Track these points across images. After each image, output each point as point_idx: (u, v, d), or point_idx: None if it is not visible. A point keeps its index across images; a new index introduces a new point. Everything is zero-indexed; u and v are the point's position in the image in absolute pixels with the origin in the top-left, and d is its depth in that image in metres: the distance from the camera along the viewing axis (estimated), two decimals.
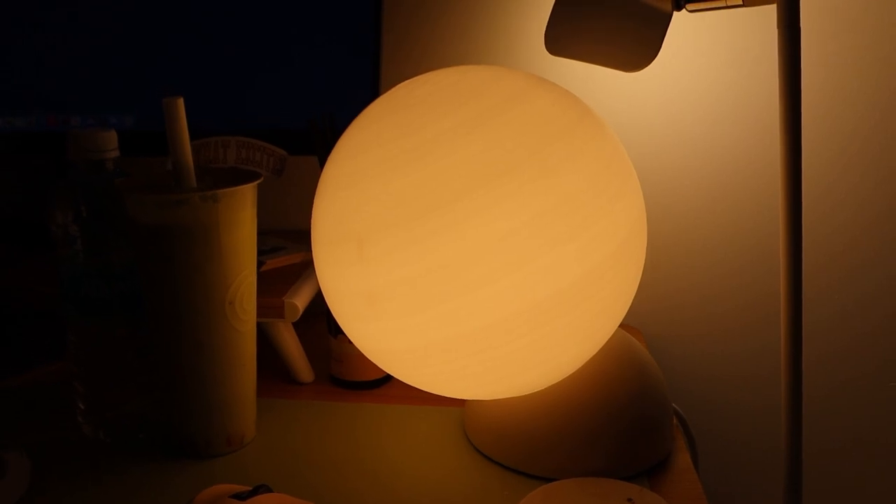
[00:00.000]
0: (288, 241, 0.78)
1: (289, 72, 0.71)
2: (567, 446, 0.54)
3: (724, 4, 0.53)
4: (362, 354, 0.67)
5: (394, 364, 0.53)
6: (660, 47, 0.56)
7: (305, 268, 0.72)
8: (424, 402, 0.66)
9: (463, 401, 0.65)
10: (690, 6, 0.54)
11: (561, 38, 0.63)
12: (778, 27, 0.50)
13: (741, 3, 0.52)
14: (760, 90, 0.79)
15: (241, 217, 0.54)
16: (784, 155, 0.51)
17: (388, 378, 0.69)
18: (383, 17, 0.69)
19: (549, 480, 0.54)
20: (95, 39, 0.72)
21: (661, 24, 0.56)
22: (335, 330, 0.68)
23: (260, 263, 0.72)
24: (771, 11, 0.68)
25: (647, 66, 0.56)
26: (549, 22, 0.63)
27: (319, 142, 0.66)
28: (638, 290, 0.86)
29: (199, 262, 0.53)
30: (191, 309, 0.54)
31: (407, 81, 0.54)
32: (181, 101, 0.54)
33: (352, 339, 0.55)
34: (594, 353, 0.54)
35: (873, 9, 0.75)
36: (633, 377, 0.56)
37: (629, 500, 0.50)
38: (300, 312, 0.65)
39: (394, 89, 0.54)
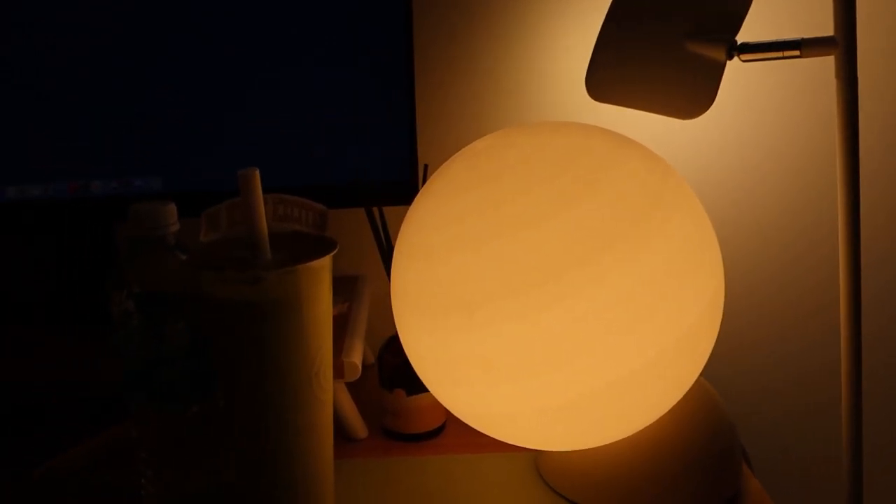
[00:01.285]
0: None
1: (313, 131, 0.70)
2: (657, 487, 0.56)
3: (780, 55, 0.56)
4: (420, 408, 0.67)
5: (496, 425, 0.54)
6: (715, 96, 0.58)
7: (345, 321, 0.71)
8: (487, 448, 0.66)
9: None
10: (745, 56, 0.57)
11: (604, 84, 0.64)
12: (836, 77, 0.54)
13: (798, 54, 0.55)
14: (817, 137, 0.83)
15: (322, 288, 0.53)
16: (843, 202, 0.54)
17: (441, 429, 0.69)
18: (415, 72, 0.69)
19: None
20: (110, 92, 0.68)
21: (714, 74, 0.58)
22: (389, 384, 0.67)
23: None
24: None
25: (703, 113, 0.58)
26: (589, 68, 0.65)
27: (365, 195, 0.65)
28: None
29: (286, 336, 0.52)
30: (278, 384, 0.52)
31: (485, 140, 0.54)
32: (257, 174, 0.52)
33: (444, 401, 0.55)
34: (676, 401, 0.56)
35: None
36: (709, 416, 0.59)
37: None
38: (360, 371, 0.64)
39: (473, 149, 0.54)
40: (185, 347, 0.56)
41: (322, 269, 0.53)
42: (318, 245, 0.55)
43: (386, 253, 0.66)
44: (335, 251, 0.54)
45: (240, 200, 0.67)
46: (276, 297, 0.51)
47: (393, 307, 0.57)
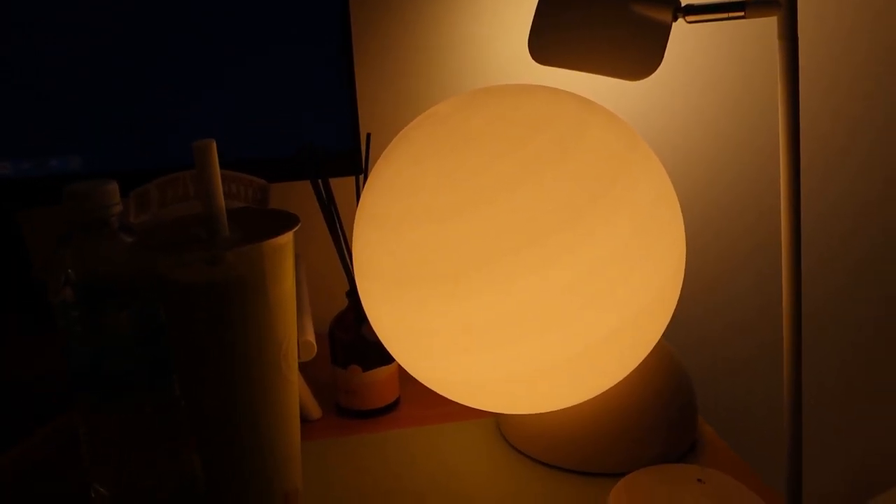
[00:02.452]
0: None
1: (251, 97, 0.66)
2: (626, 443, 0.57)
3: (724, 16, 0.57)
4: (375, 383, 0.65)
5: (473, 394, 0.53)
6: (662, 57, 0.59)
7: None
8: (444, 419, 0.65)
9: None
10: (690, 17, 0.58)
11: (548, 47, 0.64)
12: (778, 38, 0.56)
13: (742, 14, 0.56)
14: (761, 93, 0.86)
15: (285, 266, 0.51)
16: (785, 156, 0.57)
17: (396, 403, 0.68)
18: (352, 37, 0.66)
19: (596, 475, 0.57)
20: (20, 57, 0.61)
21: (661, 35, 0.59)
22: (343, 361, 0.65)
23: None
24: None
25: (650, 75, 0.59)
26: (532, 30, 0.64)
27: (311, 169, 0.62)
28: None
29: (252, 317, 0.49)
30: (246, 367, 0.50)
31: (448, 105, 0.53)
32: (214, 145, 0.48)
33: (413, 370, 0.54)
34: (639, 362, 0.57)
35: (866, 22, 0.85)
36: (670, 372, 0.61)
37: (699, 480, 0.55)
38: (315, 349, 0.61)
39: (434, 116, 0.53)
40: (135, 336, 0.52)
41: (285, 246, 0.50)
42: (278, 220, 0.52)
43: (336, 225, 0.63)
44: (298, 226, 0.51)
45: (169, 178, 0.63)
46: (240, 276, 0.48)
47: (357, 278, 0.55)
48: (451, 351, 0.50)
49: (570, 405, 0.56)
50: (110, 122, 0.62)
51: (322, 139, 0.65)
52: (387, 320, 0.53)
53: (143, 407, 0.53)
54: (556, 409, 0.56)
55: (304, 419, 0.66)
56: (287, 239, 0.50)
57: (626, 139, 0.51)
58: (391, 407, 0.67)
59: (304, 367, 0.67)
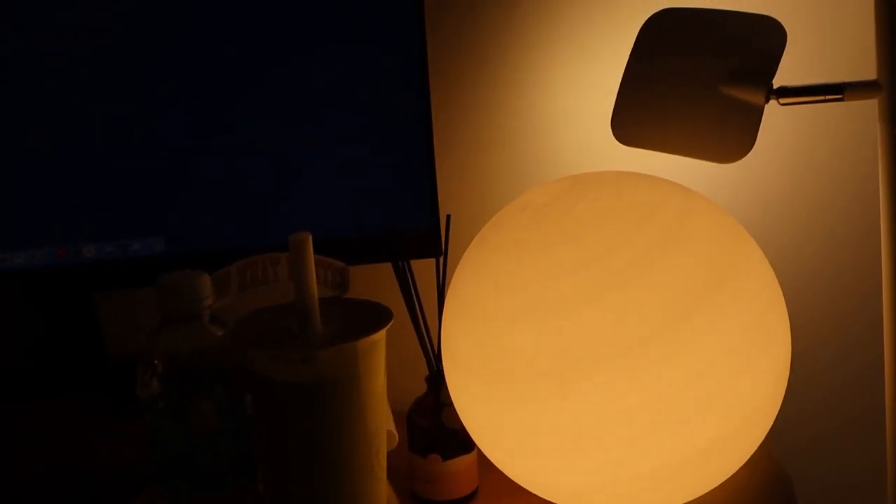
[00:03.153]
0: None
1: (327, 184, 0.65)
2: None
3: (821, 99, 0.56)
4: (454, 473, 0.63)
5: (564, 494, 0.51)
6: (754, 140, 0.57)
7: None
8: None
9: None
10: (784, 100, 0.57)
11: (631, 127, 0.63)
12: (880, 121, 0.54)
13: (841, 97, 0.55)
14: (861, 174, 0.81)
15: (380, 362, 0.49)
16: (887, 244, 0.55)
17: (474, 493, 0.65)
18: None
19: None
20: (103, 144, 0.62)
21: (754, 117, 0.57)
22: (422, 449, 0.63)
23: None
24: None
25: (741, 158, 0.58)
26: (615, 109, 0.63)
27: (394, 251, 0.61)
28: None
29: (344, 416, 0.47)
30: (337, 466, 0.48)
31: (545, 190, 0.52)
32: (309, 239, 0.48)
33: (512, 475, 0.52)
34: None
35: None
36: (769, 480, 0.57)
37: None
38: (397, 439, 0.60)
39: (531, 201, 0.51)
40: (223, 428, 0.50)
41: (379, 343, 0.49)
42: (370, 313, 0.51)
43: (417, 312, 0.62)
44: (391, 321, 0.50)
45: (249, 261, 0.62)
46: (333, 375, 0.47)
47: (447, 372, 0.53)
48: (547, 452, 0.48)
49: None
50: (195, 205, 0.62)
51: (401, 220, 0.65)
52: (478, 416, 0.51)
53: (228, 499, 0.51)
54: None
55: None
56: (381, 336, 0.49)
57: (730, 230, 0.50)
58: (469, 497, 0.65)
59: None
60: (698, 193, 0.52)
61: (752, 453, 0.52)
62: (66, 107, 0.62)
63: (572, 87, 0.81)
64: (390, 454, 0.69)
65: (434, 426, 0.63)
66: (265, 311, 0.53)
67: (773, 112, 0.64)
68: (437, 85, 0.76)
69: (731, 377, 0.46)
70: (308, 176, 0.64)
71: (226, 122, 0.63)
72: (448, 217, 0.64)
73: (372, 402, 0.49)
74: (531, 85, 0.80)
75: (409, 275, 0.62)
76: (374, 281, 0.67)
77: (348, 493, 0.49)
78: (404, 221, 0.65)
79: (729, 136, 0.58)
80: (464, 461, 0.63)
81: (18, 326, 0.68)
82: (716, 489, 0.55)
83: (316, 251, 0.63)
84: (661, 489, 0.49)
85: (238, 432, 0.51)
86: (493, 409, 0.49)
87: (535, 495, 0.56)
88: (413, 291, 0.62)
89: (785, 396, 0.82)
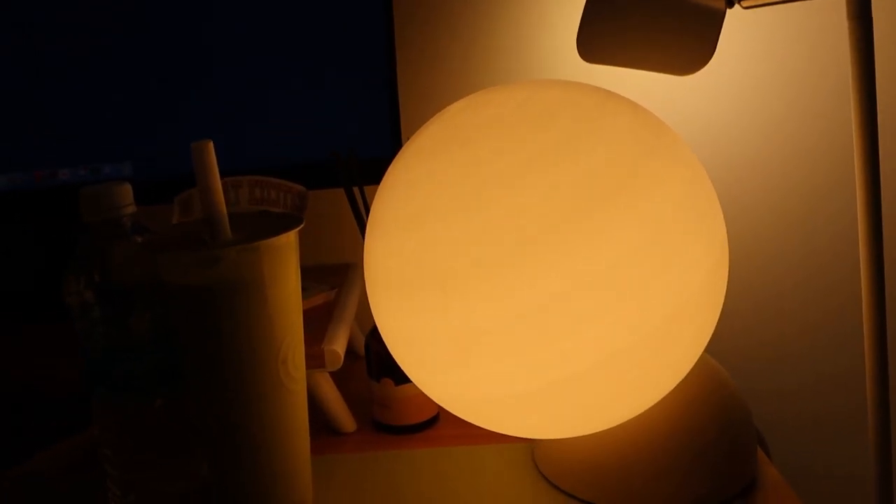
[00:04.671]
0: (308, 280, 0.73)
1: (293, 105, 0.66)
2: (667, 477, 0.51)
3: None
4: (409, 398, 0.63)
5: (480, 412, 0.49)
6: (715, 47, 0.53)
7: (332, 309, 0.67)
8: (482, 440, 0.61)
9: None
10: (745, 3, 0.52)
11: (596, 44, 0.60)
12: (849, 19, 0.48)
13: None
14: (832, 84, 0.75)
15: (286, 268, 0.49)
16: (860, 155, 0.49)
17: (434, 419, 0.65)
18: (396, 45, 0.64)
19: None
20: (79, 75, 0.65)
21: (714, 24, 0.53)
22: (377, 374, 0.63)
23: None
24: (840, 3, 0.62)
25: (702, 68, 0.53)
26: (580, 27, 0.60)
27: (345, 174, 0.61)
28: None
29: (247, 321, 0.48)
30: (241, 373, 0.49)
31: (462, 102, 0.50)
32: (211, 146, 0.48)
33: (422, 386, 0.51)
34: (679, 380, 0.51)
35: None
36: (719, 398, 0.53)
37: None
38: (342, 359, 0.60)
39: (449, 111, 0.50)
40: (147, 338, 0.52)
41: (286, 247, 0.49)
42: (284, 222, 0.51)
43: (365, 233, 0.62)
44: (300, 226, 0.50)
45: None
46: (235, 277, 0.47)
47: (367, 286, 0.53)
48: (452, 364, 0.46)
49: (599, 429, 0.50)
50: (157, 130, 0.64)
51: (365, 145, 0.64)
52: (393, 329, 0.50)
53: (155, 409, 0.53)
54: (578, 434, 0.50)
55: (337, 432, 0.64)
56: (287, 240, 0.49)
57: (651, 127, 0.46)
58: (427, 424, 0.64)
59: (343, 381, 0.66)
60: (619, 94, 0.48)
61: (686, 365, 0.48)
62: (43, 34, 0.64)
63: (542, 6, 0.77)
64: (354, 382, 0.70)
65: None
66: (184, 225, 0.54)
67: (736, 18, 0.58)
68: (400, 8, 0.74)
69: (648, 272, 0.42)
70: (272, 101, 0.65)
71: (191, 49, 0.64)
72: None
73: (277, 308, 0.49)
74: (498, 5, 0.77)
75: (362, 198, 0.62)
76: (343, 211, 0.67)
77: (253, 399, 0.49)
78: (368, 147, 0.64)
79: (689, 46, 0.54)
80: (417, 387, 0.63)
81: (5, 249, 0.73)
82: (658, 413, 0.52)
83: (278, 176, 0.64)
84: (581, 404, 0.46)
85: (162, 342, 0.52)
86: (397, 320, 0.48)
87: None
88: (364, 215, 0.62)
89: (768, 374, 0.74)
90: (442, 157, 0.46)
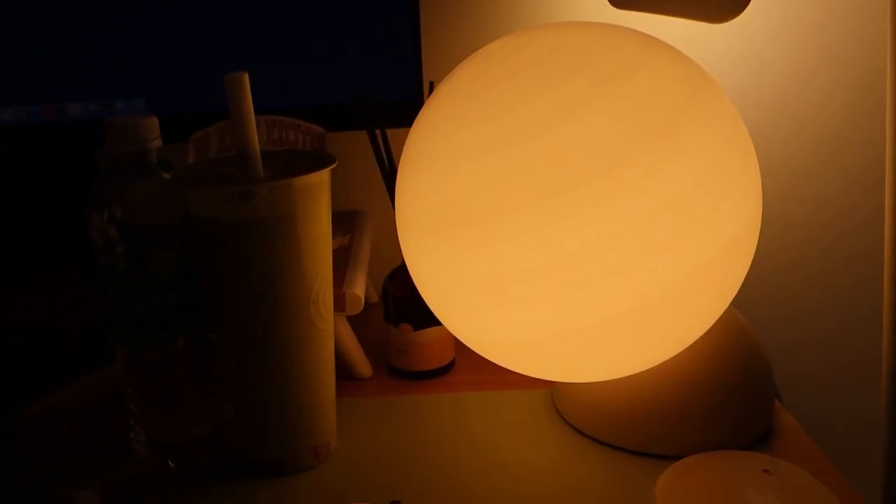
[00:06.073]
0: None
1: (311, 45, 0.64)
2: (692, 422, 0.52)
3: None
4: (427, 343, 0.62)
5: (510, 353, 0.49)
6: None
7: (347, 253, 0.66)
8: (498, 385, 0.62)
9: (546, 381, 0.61)
10: None
11: None
12: None
13: None
14: (868, 50, 0.75)
15: (319, 206, 0.48)
16: (892, 120, 0.49)
17: (450, 366, 0.65)
18: None
19: (652, 457, 0.52)
20: (87, 8, 0.62)
21: None
22: (394, 319, 0.63)
23: None
24: None
25: (737, 15, 0.53)
26: None
27: (368, 116, 0.60)
28: None
29: (281, 258, 0.47)
30: (273, 312, 0.48)
31: (497, 43, 0.49)
32: (246, 77, 0.47)
33: (451, 326, 0.51)
34: (706, 330, 0.51)
35: None
36: (743, 350, 0.54)
37: (765, 470, 0.48)
38: (362, 303, 0.59)
39: (483, 52, 0.49)
40: (171, 276, 0.51)
41: (319, 185, 0.48)
42: (315, 161, 0.50)
43: (388, 177, 0.61)
44: (334, 165, 0.49)
45: (229, 122, 0.62)
46: (268, 214, 0.46)
47: (397, 227, 0.52)
48: (488, 305, 0.46)
49: (622, 376, 0.51)
50: (173, 65, 0.63)
51: (385, 87, 0.63)
52: (424, 270, 0.50)
53: (178, 347, 0.52)
54: (605, 379, 0.51)
55: (354, 377, 0.64)
56: (321, 178, 0.48)
57: (693, 76, 0.46)
58: (443, 370, 0.64)
59: (358, 325, 0.66)
60: (660, 41, 0.48)
61: (714, 314, 0.48)
62: None
63: None
64: (371, 329, 0.70)
65: (407, 296, 0.62)
66: (211, 160, 0.53)
67: None
68: None
69: (684, 223, 0.43)
70: (290, 41, 0.63)
71: None
72: (431, 84, 0.62)
73: (309, 246, 0.48)
74: None
75: (384, 142, 0.61)
76: (366, 150, 0.66)
77: (283, 337, 0.49)
78: (388, 89, 0.63)
79: None
80: (436, 332, 0.63)
81: (12, 185, 0.71)
82: (683, 361, 0.52)
83: (297, 117, 0.63)
84: (610, 349, 0.47)
85: (188, 279, 0.52)
86: (432, 262, 0.48)
87: (511, 371, 0.55)
88: (386, 157, 0.61)
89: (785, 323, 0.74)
90: (481, 98, 0.45)
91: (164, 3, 0.62)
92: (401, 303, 0.62)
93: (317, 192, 0.48)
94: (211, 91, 0.64)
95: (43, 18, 0.62)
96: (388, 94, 0.64)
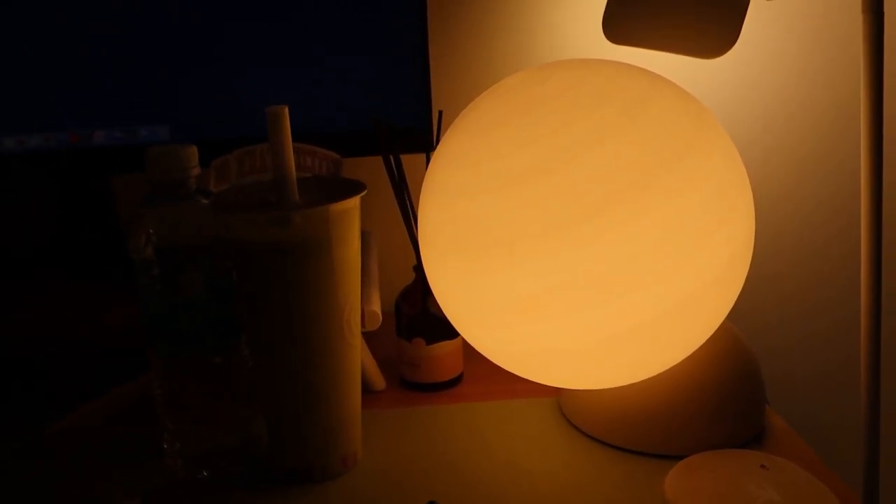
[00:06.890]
0: None
1: (324, 76, 0.68)
2: (690, 425, 0.56)
3: None
4: (439, 357, 0.66)
5: (529, 364, 0.53)
6: (738, 33, 0.58)
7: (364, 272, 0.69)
8: (505, 395, 0.66)
9: (552, 389, 0.65)
10: None
11: (622, 24, 0.64)
12: (862, 12, 0.53)
13: None
14: (844, 75, 0.82)
15: (351, 231, 0.52)
16: (867, 143, 0.54)
17: (460, 377, 0.68)
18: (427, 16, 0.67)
19: (655, 457, 0.56)
20: (111, 36, 0.65)
21: (738, 10, 0.57)
22: (408, 334, 0.66)
23: None
24: None
25: (726, 52, 0.58)
26: (606, 8, 0.64)
27: (383, 141, 0.63)
28: None
29: (315, 280, 0.51)
30: (308, 330, 0.51)
31: (514, 78, 0.53)
32: (286, 111, 0.50)
33: (474, 341, 0.55)
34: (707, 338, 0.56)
35: None
36: (738, 357, 0.59)
37: (762, 466, 0.53)
38: (380, 319, 0.63)
39: (503, 85, 0.53)
40: (205, 295, 0.54)
41: (351, 211, 0.51)
42: (346, 187, 0.54)
43: (404, 200, 0.64)
44: (365, 192, 0.52)
45: (247, 150, 0.66)
46: (306, 238, 0.50)
47: (421, 249, 0.56)
48: (508, 321, 0.50)
49: (630, 383, 0.55)
50: (198, 95, 0.66)
51: (394, 115, 0.67)
52: (446, 289, 0.53)
53: (212, 363, 0.55)
54: (614, 385, 0.55)
55: (368, 390, 0.67)
56: (353, 203, 0.51)
57: (694, 111, 0.51)
58: (453, 382, 0.68)
59: (370, 340, 0.69)
60: (664, 78, 0.53)
61: (712, 327, 0.53)
62: None
63: None
64: (384, 342, 0.73)
65: (419, 312, 0.66)
66: (248, 186, 0.56)
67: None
68: None
69: (687, 248, 0.47)
70: (306, 69, 0.67)
71: (229, 13, 0.66)
72: (440, 113, 0.66)
73: (342, 268, 0.51)
74: None
75: (398, 167, 0.65)
76: (369, 176, 0.70)
77: (318, 354, 0.52)
78: (398, 117, 0.67)
79: (713, 30, 0.58)
80: (447, 346, 0.66)
81: (36, 209, 0.73)
82: (683, 368, 0.57)
83: (311, 143, 0.66)
84: (618, 360, 0.51)
85: (222, 299, 0.54)
86: (454, 281, 0.52)
87: (517, 380, 0.59)
88: (401, 182, 0.65)
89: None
90: (503, 129, 0.50)
91: (186, 32, 0.65)
92: (413, 319, 0.66)
93: (349, 217, 0.51)
94: (229, 118, 0.67)
95: (69, 45, 0.64)
96: (398, 121, 0.67)
